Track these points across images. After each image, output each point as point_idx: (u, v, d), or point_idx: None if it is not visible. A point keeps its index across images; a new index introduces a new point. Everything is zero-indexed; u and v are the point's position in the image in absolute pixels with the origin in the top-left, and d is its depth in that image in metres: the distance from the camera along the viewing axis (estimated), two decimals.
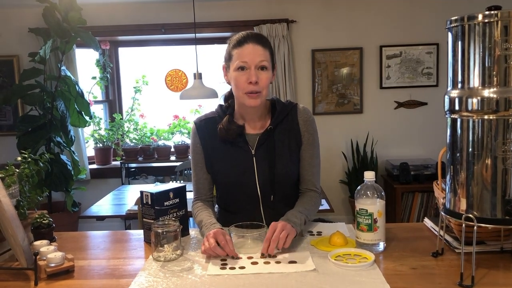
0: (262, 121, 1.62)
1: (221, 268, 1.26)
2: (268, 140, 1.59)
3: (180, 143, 4.51)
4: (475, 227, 1.10)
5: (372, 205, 1.33)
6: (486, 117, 1.08)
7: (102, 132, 4.57)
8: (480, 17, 1.06)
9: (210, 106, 4.43)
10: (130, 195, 3.44)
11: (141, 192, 1.49)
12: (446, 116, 1.18)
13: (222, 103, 1.69)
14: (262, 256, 1.33)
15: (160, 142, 4.53)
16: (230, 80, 1.57)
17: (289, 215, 1.46)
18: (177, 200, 1.52)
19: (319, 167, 1.66)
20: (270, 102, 1.65)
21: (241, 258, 1.33)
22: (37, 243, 1.37)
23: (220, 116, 1.63)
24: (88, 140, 4.60)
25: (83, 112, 3.94)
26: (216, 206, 1.77)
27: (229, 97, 1.67)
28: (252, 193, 1.59)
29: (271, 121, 1.60)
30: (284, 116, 1.61)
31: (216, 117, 1.64)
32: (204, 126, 1.64)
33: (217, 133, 1.60)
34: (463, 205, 1.14)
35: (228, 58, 1.55)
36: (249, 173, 1.58)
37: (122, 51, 4.74)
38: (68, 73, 3.92)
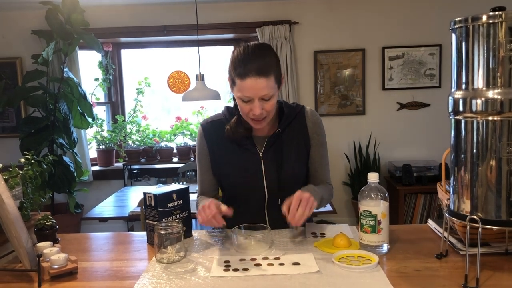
0: (270, 124, 1.61)
1: (225, 270, 1.26)
2: (276, 143, 1.59)
3: (182, 144, 4.51)
4: (479, 229, 1.10)
5: (376, 206, 1.33)
6: (490, 118, 1.08)
7: (105, 133, 4.58)
8: (484, 18, 1.06)
9: (213, 107, 4.44)
10: (133, 196, 3.45)
11: (144, 194, 1.49)
12: (450, 117, 1.17)
13: (229, 104, 1.69)
14: (289, 224, 1.37)
15: (163, 144, 4.53)
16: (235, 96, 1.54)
17: (309, 188, 1.50)
18: (180, 201, 1.52)
19: (329, 166, 1.69)
20: (278, 105, 1.63)
21: (246, 260, 1.33)
22: (40, 244, 1.37)
23: (227, 119, 1.62)
24: (90, 141, 4.60)
25: (85, 114, 3.95)
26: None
27: None
28: (259, 195, 1.59)
29: (279, 124, 1.59)
30: (292, 118, 1.61)
31: (223, 119, 1.63)
32: (211, 128, 1.63)
33: (224, 136, 1.59)
34: (467, 206, 1.14)
35: (232, 81, 1.49)
36: (257, 175, 1.57)
37: (125, 53, 4.75)
38: (71, 75, 3.93)
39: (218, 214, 1.38)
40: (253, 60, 1.42)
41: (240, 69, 1.43)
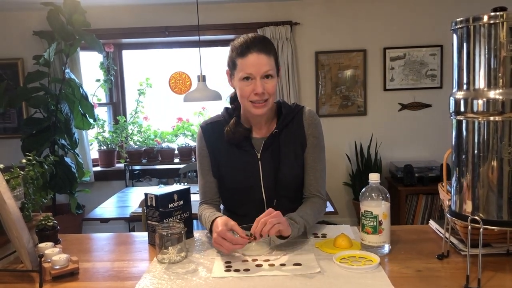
0: (268, 124, 1.61)
1: (226, 271, 1.26)
2: (274, 144, 1.58)
3: (184, 145, 4.51)
4: (481, 229, 1.09)
5: (377, 207, 1.33)
6: (491, 118, 1.07)
7: (106, 134, 4.58)
8: (485, 18, 1.06)
9: (214, 108, 4.44)
10: (134, 197, 3.45)
11: (146, 194, 1.49)
12: (452, 117, 1.17)
13: (228, 105, 1.68)
14: (250, 238, 1.33)
15: (164, 145, 4.54)
16: (235, 87, 1.55)
17: (289, 215, 1.45)
18: (182, 202, 1.51)
19: (324, 172, 1.62)
20: (276, 105, 1.63)
21: (247, 261, 1.33)
22: (42, 245, 1.37)
23: (226, 120, 1.61)
24: (92, 142, 4.61)
25: (87, 115, 3.95)
26: (222, 207, 1.76)
27: (235, 98, 1.64)
28: (257, 197, 1.58)
29: (277, 125, 1.59)
30: (290, 119, 1.60)
31: (222, 120, 1.63)
32: (211, 129, 1.63)
33: (223, 137, 1.59)
34: (469, 207, 1.14)
35: (232, 66, 1.51)
36: (255, 177, 1.57)
37: (126, 54, 4.76)
38: (72, 76, 3.93)
39: (240, 240, 1.33)
40: (254, 40, 1.48)
41: (241, 48, 1.47)
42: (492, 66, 1.07)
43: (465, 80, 1.12)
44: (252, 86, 1.47)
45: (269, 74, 1.47)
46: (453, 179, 1.19)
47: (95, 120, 4.09)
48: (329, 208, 2.85)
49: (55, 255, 1.29)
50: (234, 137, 1.57)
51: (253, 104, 1.49)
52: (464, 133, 1.13)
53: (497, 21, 1.05)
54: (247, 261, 1.32)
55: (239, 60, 1.47)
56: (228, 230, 1.35)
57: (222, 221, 1.38)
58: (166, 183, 4.36)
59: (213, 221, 1.43)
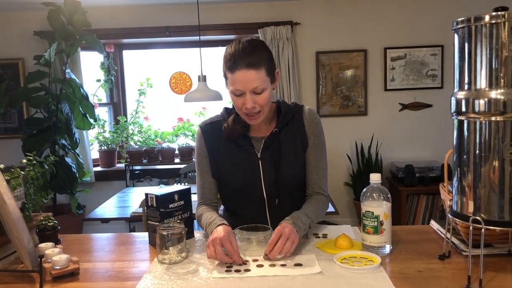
0: (268, 124, 1.61)
1: (227, 271, 1.26)
2: (274, 143, 1.58)
3: (184, 145, 4.51)
4: (482, 230, 1.09)
5: (378, 207, 1.32)
6: (493, 118, 1.07)
7: (107, 134, 4.58)
8: (487, 18, 1.06)
9: (215, 108, 4.44)
10: (135, 197, 3.45)
11: (146, 195, 1.49)
12: (453, 118, 1.17)
13: (228, 105, 1.68)
14: (264, 256, 1.32)
15: (165, 145, 4.54)
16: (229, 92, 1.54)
17: (295, 218, 1.44)
18: (182, 202, 1.51)
19: (326, 170, 1.63)
20: (276, 104, 1.63)
21: (248, 261, 1.33)
22: (42, 245, 1.37)
23: (225, 120, 1.61)
24: (92, 142, 4.61)
25: (87, 115, 3.95)
26: (222, 208, 1.76)
27: None
28: (258, 196, 1.58)
29: (277, 124, 1.58)
30: (289, 118, 1.59)
31: (221, 120, 1.63)
32: (210, 129, 1.63)
33: (223, 137, 1.59)
34: (470, 207, 1.13)
35: (224, 76, 1.52)
36: (255, 176, 1.57)
37: (127, 54, 4.76)
38: (73, 76, 3.93)
39: (225, 256, 1.31)
40: (243, 53, 1.44)
41: (230, 62, 1.45)
42: (493, 66, 1.07)
43: (466, 80, 1.12)
44: (242, 100, 1.46)
45: (259, 90, 1.45)
46: (455, 179, 1.18)
47: (95, 120, 4.09)
48: (330, 208, 2.84)
49: (55, 255, 1.29)
50: (232, 133, 1.57)
51: (247, 116, 1.50)
52: (466, 133, 1.13)
53: (499, 21, 1.04)
54: (247, 261, 1.32)
55: (229, 74, 1.46)
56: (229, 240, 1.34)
57: (226, 230, 1.37)
58: (166, 183, 4.36)
59: (219, 225, 1.41)
